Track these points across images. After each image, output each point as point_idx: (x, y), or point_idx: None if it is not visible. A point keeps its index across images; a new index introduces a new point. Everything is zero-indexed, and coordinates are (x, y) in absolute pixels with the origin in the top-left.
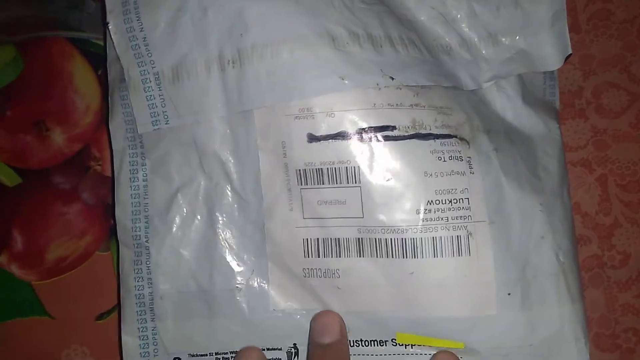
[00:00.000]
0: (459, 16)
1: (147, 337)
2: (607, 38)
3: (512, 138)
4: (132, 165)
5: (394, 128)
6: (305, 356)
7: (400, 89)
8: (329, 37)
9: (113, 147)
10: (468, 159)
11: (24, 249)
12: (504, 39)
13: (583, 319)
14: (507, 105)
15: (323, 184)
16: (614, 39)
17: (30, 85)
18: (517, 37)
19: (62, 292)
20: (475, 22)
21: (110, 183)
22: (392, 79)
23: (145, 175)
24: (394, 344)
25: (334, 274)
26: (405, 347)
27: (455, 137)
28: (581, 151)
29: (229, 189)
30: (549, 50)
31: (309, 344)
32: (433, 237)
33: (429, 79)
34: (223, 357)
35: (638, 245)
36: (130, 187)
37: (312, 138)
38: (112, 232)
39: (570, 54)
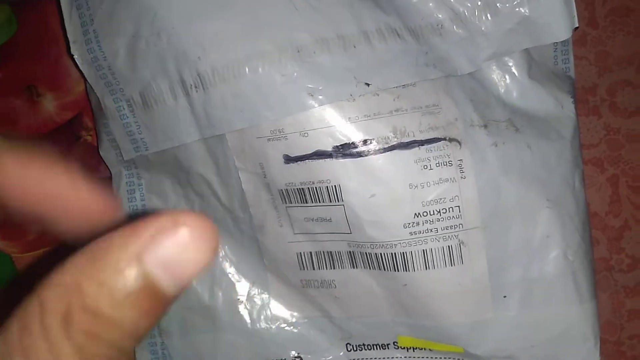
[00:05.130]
0: None
1: (157, 352)
2: (624, 35)
3: (517, 125)
4: (129, 185)
5: (372, 141)
6: None
7: (378, 95)
8: (293, 50)
9: (110, 170)
10: (459, 162)
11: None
12: (503, 6)
13: (594, 318)
14: (512, 84)
15: (306, 202)
16: (632, 36)
17: (23, 48)
18: (519, 2)
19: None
20: None
21: None
22: (368, 85)
23: (142, 194)
24: (396, 347)
25: (330, 284)
26: (407, 351)
27: (444, 139)
28: (594, 149)
29: (220, 205)
30: (556, 15)
31: None
32: (423, 250)
33: (413, 73)
34: None
35: None
36: (129, 207)
37: (288, 159)
38: None
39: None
